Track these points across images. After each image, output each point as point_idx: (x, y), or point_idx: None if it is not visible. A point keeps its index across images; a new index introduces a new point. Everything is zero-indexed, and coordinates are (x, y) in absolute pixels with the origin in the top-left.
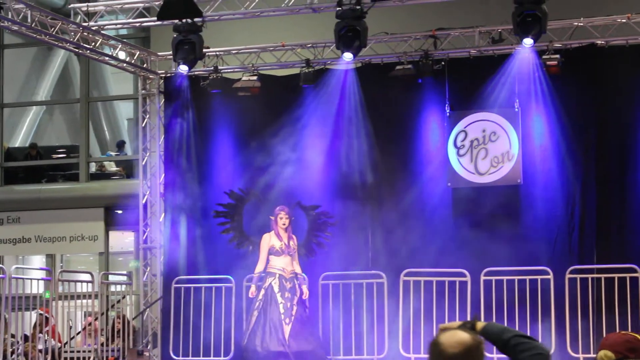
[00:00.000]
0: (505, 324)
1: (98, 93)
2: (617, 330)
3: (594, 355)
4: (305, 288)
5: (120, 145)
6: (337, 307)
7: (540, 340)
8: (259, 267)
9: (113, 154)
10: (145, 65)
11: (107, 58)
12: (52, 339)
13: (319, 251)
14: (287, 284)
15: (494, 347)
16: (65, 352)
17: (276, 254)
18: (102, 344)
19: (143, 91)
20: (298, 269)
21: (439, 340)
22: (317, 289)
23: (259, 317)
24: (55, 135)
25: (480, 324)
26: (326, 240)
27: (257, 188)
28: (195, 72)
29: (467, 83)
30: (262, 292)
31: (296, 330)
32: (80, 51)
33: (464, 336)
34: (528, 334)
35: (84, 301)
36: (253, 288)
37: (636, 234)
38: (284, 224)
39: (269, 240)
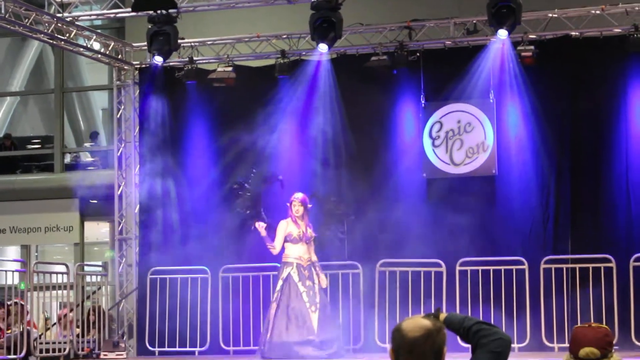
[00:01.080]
0: (481, 315)
1: (73, 83)
2: (592, 321)
3: (568, 345)
4: (323, 277)
5: (94, 136)
6: None
7: (515, 330)
8: (276, 248)
9: (88, 145)
10: (120, 56)
11: (81, 49)
12: (33, 328)
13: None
14: (305, 272)
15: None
16: (41, 343)
17: (293, 242)
18: (77, 335)
19: (118, 82)
20: (314, 257)
21: (400, 326)
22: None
23: (277, 309)
24: (29, 125)
25: (443, 315)
26: (341, 235)
27: (278, 173)
28: (170, 63)
29: (442, 74)
30: (280, 283)
31: (323, 318)
32: (54, 42)
33: (424, 321)
34: (503, 323)
35: (59, 292)
36: (285, 273)
37: (610, 225)
38: (297, 212)
39: (285, 226)
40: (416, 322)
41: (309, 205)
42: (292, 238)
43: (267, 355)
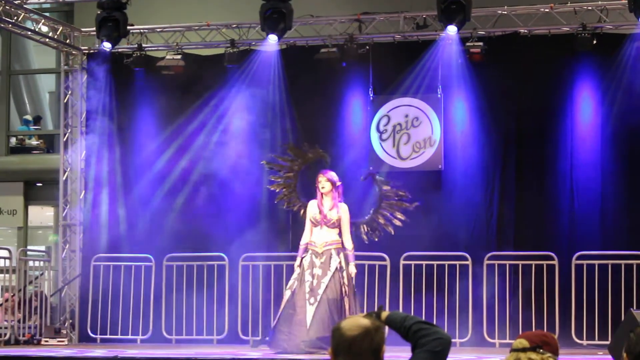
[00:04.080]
0: (424, 309)
1: (20, 65)
2: (533, 317)
3: (511, 341)
4: (351, 266)
5: (37, 120)
6: (256, 288)
7: (457, 325)
8: (304, 239)
9: (30, 119)
10: (68, 41)
11: (29, 32)
12: None
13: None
14: (317, 260)
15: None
16: None
17: (314, 225)
18: (18, 321)
19: (65, 67)
20: (331, 238)
21: (339, 324)
22: (237, 271)
23: (290, 297)
24: None
25: (385, 313)
26: (395, 223)
27: (322, 148)
28: (119, 50)
29: (391, 68)
30: (297, 270)
31: (319, 314)
32: (1, 25)
33: (363, 320)
34: (445, 319)
35: (1, 276)
36: (298, 261)
37: (554, 222)
38: (322, 188)
39: (310, 209)
40: (355, 321)
41: (338, 183)
42: (314, 221)
43: (270, 345)
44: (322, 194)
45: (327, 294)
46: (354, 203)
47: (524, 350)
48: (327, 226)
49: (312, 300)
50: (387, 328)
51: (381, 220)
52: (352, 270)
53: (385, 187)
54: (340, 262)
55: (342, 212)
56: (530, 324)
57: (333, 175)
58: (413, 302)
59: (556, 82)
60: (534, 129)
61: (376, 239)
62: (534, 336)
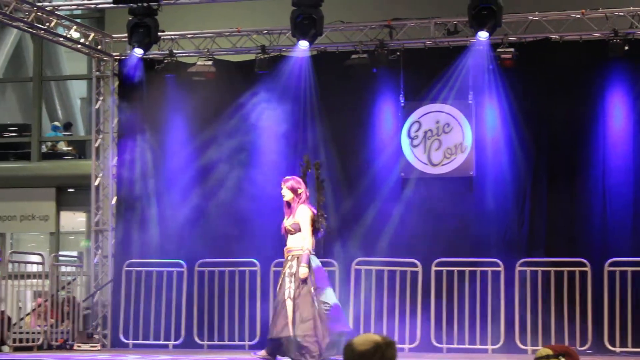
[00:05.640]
0: (455, 315)
1: (51, 72)
2: (565, 324)
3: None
4: (302, 267)
5: (67, 126)
6: None
7: (489, 331)
8: None
9: (59, 125)
10: (99, 47)
11: (61, 39)
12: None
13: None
14: (285, 268)
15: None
16: (14, 333)
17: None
18: (51, 326)
19: (97, 73)
20: (294, 245)
21: (351, 341)
22: (269, 277)
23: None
24: (7, 113)
25: None
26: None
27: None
28: (150, 56)
29: (422, 74)
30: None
31: (274, 314)
32: (34, 31)
33: (375, 336)
34: (477, 325)
35: (34, 281)
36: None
37: (586, 228)
38: (283, 196)
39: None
40: (367, 337)
41: (300, 191)
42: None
43: None
44: (287, 203)
45: (277, 299)
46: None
47: (547, 357)
48: (288, 233)
49: (282, 304)
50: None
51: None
52: (301, 271)
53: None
54: (290, 267)
55: (298, 214)
56: (562, 330)
57: (294, 182)
58: (445, 308)
59: (588, 87)
60: (565, 135)
61: (330, 233)
62: (557, 346)
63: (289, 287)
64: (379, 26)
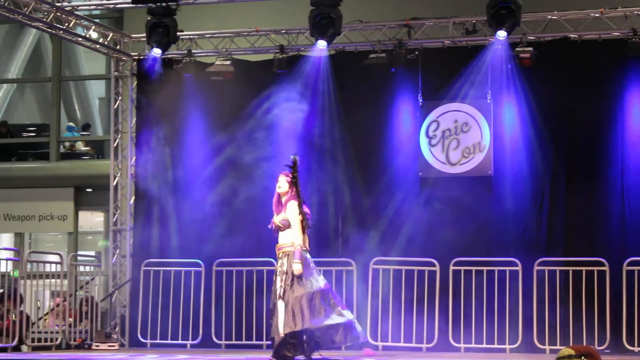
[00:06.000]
0: (473, 315)
1: (70, 72)
2: (584, 323)
3: (562, 348)
4: (295, 264)
5: (86, 127)
6: None
7: (507, 330)
8: None
9: (74, 125)
10: (118, 47)
11: (79, 39)
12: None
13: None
14: (277, 266)
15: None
16: (33, 332)
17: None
18: (69, 325)
19: (116, 72)
20: (285, 242)
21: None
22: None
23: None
24: (25, 113)
25: None
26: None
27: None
28: (169, 55)
29: (440, 73)
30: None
31: (269, 317)
32: (52, 31)
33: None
34: (495, 325)
35: (52, 281)
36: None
37: (605, 228)
38: (279, 187)
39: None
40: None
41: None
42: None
43: None
44: (275, 200)
45: (272, 298)
46: None
47: (569, 357)
48: (277, 229)
49: (271, 305)
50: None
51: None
52: (295, 267)
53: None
54: (282, 265)
55: (287, 210)
56: (581, 330)
57: (290, 178)
58: (463, 308)
59: (606, 87)
60: (584, 134)
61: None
62: (580, 347)
63: (280, 286)
64: (398, 25)
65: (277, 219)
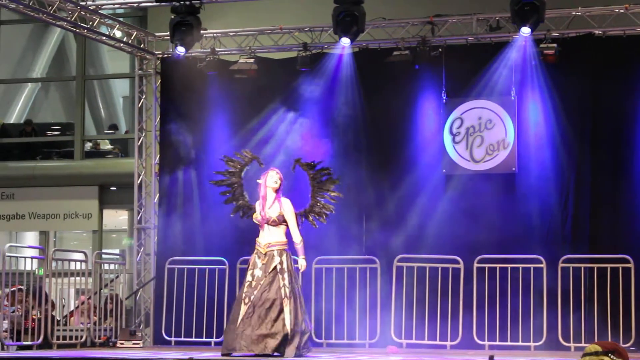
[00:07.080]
0: (497, 312)
1: (94, 71)
2: (609, 321)
3: (586, 345)
4: (301, 259)
5: (112, 128)
6: (330, 291)
7: (532, 328)
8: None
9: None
10: (142, 46)
11: (104, 38)
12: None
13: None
14: (259, 261)
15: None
16: (58, 330)
17: (259, 226)
18: (94, 323)
19: (140, 71)
20: (278, 239)
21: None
22: (310, 273)
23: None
24: (50, 112)
25: None
26: (333, 201)
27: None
28: (192, 54)
29: (464, 70)
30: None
31: (249, 314)
32: (77, 30)
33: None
34: (520, 322)
35: (77, 279)
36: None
37: (630, 225)
38: (275, 183)
39: (256, 210)
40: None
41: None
42: (257, 222)
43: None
44: (265, 194)
45: (262, 295)
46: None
47: (596, 353)
48: (270, 225)
49: (246, 300)
50: None
51: (320, 204)
52: (302, 263)
53: (311, 170)
54: (281, 263)
55: (285, 207)
56: (605, 327)
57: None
58: (487, 305)
59: (631, 83)
60: (609, 131)
61: (324, 222)
62: (606, 343)
63: (282, 285)
64: (421, 22)
65: (271, 213)
